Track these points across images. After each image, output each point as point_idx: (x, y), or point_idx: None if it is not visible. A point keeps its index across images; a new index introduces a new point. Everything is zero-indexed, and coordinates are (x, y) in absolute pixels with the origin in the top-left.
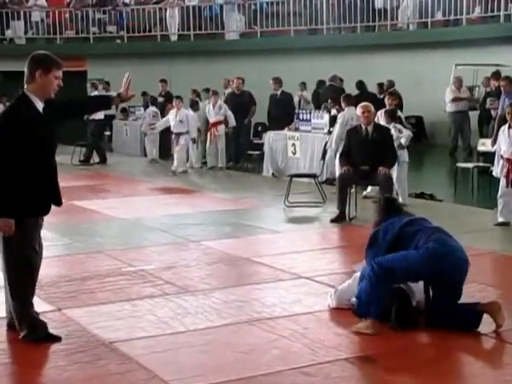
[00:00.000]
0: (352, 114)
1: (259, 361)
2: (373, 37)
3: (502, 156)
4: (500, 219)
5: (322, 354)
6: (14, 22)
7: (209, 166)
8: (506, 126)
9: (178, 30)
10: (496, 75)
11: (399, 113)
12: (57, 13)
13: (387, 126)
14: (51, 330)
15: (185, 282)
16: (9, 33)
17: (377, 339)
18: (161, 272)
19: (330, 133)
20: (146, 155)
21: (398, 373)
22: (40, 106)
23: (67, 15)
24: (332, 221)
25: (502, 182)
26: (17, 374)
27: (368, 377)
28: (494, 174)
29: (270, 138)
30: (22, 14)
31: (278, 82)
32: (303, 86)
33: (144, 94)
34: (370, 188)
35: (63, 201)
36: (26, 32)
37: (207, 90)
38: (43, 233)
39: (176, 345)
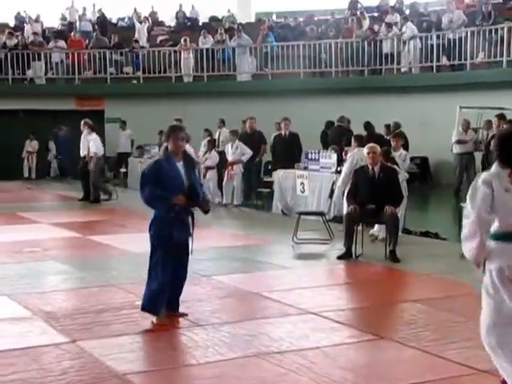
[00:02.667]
0: (361, 155)
1: None
2: (380, 80)
3: None
4: None
5: None
6: (34, 62)
7: (224, 202)
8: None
9: (193, 72)
10: (501, 116)
11: (393, 154)
12: (76, 54)
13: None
14: (65, 362)
15: (196, 315)
16: (29, 73)
17: (382, 372)
18: None
19: (337, 172)
20: None
21: None
22: None
23: (86, 56)
24: (339, 258)
25: None
26: None
27: None
28: None
29: (279, 176)
30: (42, 55)
31: (286, 121)
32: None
33: (160, 132)
34: (376, 226)
35: (80, 235)
36: (46, 72)
37: (207, 130)
38: (59, 266)
39: (187, 377)
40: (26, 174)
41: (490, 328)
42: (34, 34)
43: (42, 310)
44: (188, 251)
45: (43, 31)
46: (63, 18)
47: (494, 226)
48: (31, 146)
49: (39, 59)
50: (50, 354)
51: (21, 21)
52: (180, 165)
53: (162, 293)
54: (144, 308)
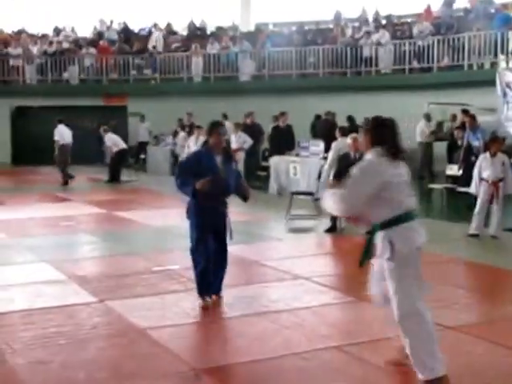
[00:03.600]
0: (345, 143)
1: (266, 347)
2: (360, 79)
3: (482, 179)
4: (472, 231)
5: (317, 342)
6: (69, 66)
7: None
8: (487, 154)
9: (201, 73)
10: (464, 112)
11: None
12: (104, 59)
13: None
14: (95, 318)
15: None
16: (65, 75)
17: (362, 328)
18: (184, 271)
19: (324, 158)
20: (173, 175)
21: (381, 355)
22: None
23: (112, 61)
24: (326, 231)
25: (482, 200)
26: (67, 352)
27: (356, 361)
28: (472, 192)
29: (275, 161)
30: (76, 59)
31: (285, 115)
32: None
33: (179, 120)
34: None
35: (107, 211)
36: (79, 74)
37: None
38: (89, 237)
39: (196, 332)
40: None
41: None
42: (70, 42)
43: (75, 275)
44: (225, 236)
45: (77, 40)
46: (95, 29)
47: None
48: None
49: (73, 63)
50: (82, 312)
51: (58, 32)
52: (218, 158)
53: (203, 278)
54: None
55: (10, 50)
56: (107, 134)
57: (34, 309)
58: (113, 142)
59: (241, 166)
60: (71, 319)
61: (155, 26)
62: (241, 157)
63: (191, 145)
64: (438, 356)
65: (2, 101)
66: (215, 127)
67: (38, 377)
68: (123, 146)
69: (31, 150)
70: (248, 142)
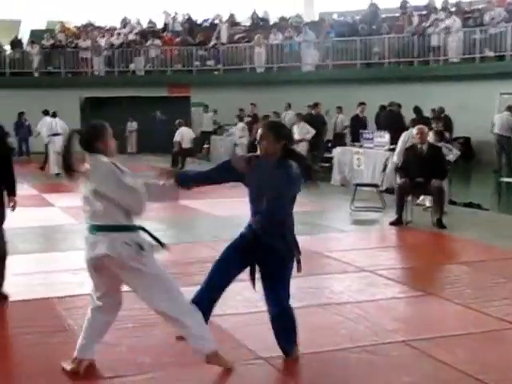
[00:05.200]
0: (413, 134)
1: (329, 338)
2: (427, 69)
3: None
4: None
5: (383, 336)
6: (135, 57)
7: None
8: None
9: (264, 64)
10: None
11: (446, 134)
12: (168, 50)
13: (438, 144)
14: None
15: None
16: (131, 66)
17: (431, 324)
18: None
19: (389, 150)
20: None
21: (450, 353)
22: None
23: (176, 52)
24: (391, 224)
25: None
26: (135, 335)
27: (425, 358)
28: None
29: (338, 152)
30: (142, 51)
31: (364, 106)
32: (339, 109)
33: (240, 110)
34: (422, 197)
35: None
36: (144, 65)
37: (275, 113)
38: (155, 225)
39: (260, 321)
40: (128, 150)
41: None
42: (136, 34)
43: None
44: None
45: (142, 32)
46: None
47: None
48: (132, 126)
49: (139, 55)
50: None
51: (125, 24)
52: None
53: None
54: None
55: (79, 42)
56: (180, 127)
57: None
58: (181, 137)
59: None
60: (139, 303)
61: (219, 17)
62: (302, 148)
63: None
64: None
65: (72, 92)
66: None
67: (106, 359)
68: (188, 145)
69: None
70: (311, 132)
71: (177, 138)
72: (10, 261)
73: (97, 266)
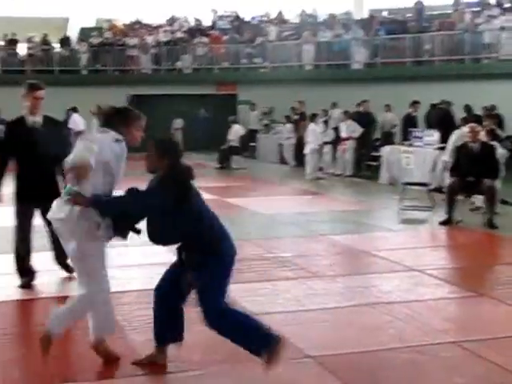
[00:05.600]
0: (465, 132)
1: (378, 338)
2: (479, 67)
3: None
4: None
5: (432, 336)
6: (182, 55)
7: (338, 173)
8: None
9: (313, 61)
10: None
11: (499, 132)
12: (216, 48)
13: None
14: None
15: (315, 268)
16: (179, 64)
17: (482, 325)
18: (295, 259)
19: (440, 149)
20: (282, 163)
21: (502, 355)
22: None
23: (223, 50)
24: (441, 223)
25: None
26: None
27: (476, 359)
28: None
29: (386, 151)
30: (189, 49)
31: (418, 105)
32: (388, 107)
33: (292, 108)
34: (475, 197)
35: (218, 197)
36: (191, 63)
37: (324, 110)
38: None
39: (307, 319)
40: None
41: None
42: (183, 32)
43: None
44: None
45: (190, 29)
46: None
47: None
48: (177, 123)
49: (186, 53)
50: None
51: (172, 21)
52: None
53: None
54: None
55: (127, 40)
56: (233, 125)
57: (149, 289)
58: (234, 134)
59: (350, 155)
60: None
61: (267, 15)
62: (349, 146)
63: (309, 134)
64: None
65: (120, 89)
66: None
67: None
68: (234, 143)
69: (147, 137)
70: (357, 130)
71: (230, 135)
72: None
73: None
